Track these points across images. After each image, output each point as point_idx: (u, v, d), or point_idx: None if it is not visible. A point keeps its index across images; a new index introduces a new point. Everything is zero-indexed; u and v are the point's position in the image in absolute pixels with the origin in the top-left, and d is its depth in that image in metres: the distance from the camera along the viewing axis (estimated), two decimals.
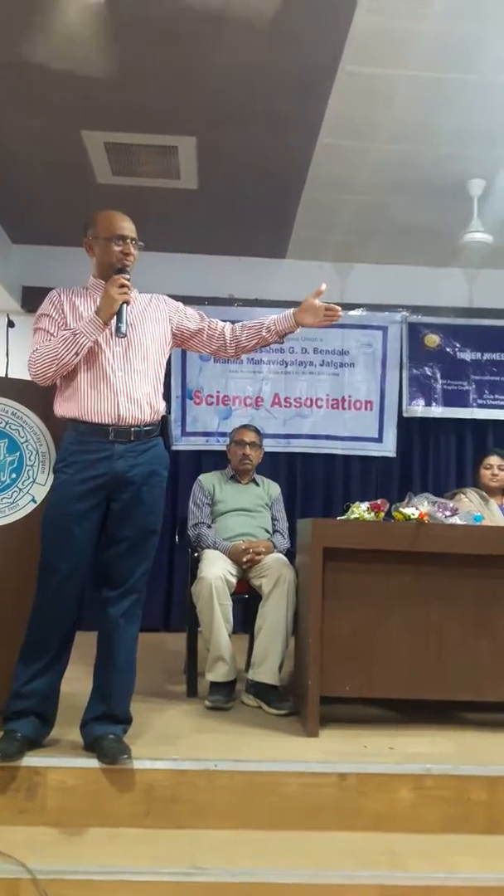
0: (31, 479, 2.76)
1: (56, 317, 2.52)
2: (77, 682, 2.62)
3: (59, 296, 2.56)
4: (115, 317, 2.42)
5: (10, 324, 5.26)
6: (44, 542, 2.45)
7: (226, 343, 2.67)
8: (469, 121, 3.78)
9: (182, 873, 2.06)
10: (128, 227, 2.54)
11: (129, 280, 2.46)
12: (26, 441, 2.77)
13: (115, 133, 3.98)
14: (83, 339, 2.40)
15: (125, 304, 2.43)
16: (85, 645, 2.57)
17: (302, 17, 3.08)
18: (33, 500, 2.73)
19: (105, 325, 2.42)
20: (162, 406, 2.57)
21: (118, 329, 2.41)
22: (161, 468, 2.55)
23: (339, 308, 2.61)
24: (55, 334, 2.47)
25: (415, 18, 3.06)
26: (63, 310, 2.52)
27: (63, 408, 2.51)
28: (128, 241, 2.52)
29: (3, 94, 3.65)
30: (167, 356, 2.65)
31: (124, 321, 2.42)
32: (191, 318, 2.68)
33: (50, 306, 2.54)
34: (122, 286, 2.42)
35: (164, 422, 2.57)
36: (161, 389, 2.60)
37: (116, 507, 2.46)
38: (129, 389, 2.47)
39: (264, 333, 2.63)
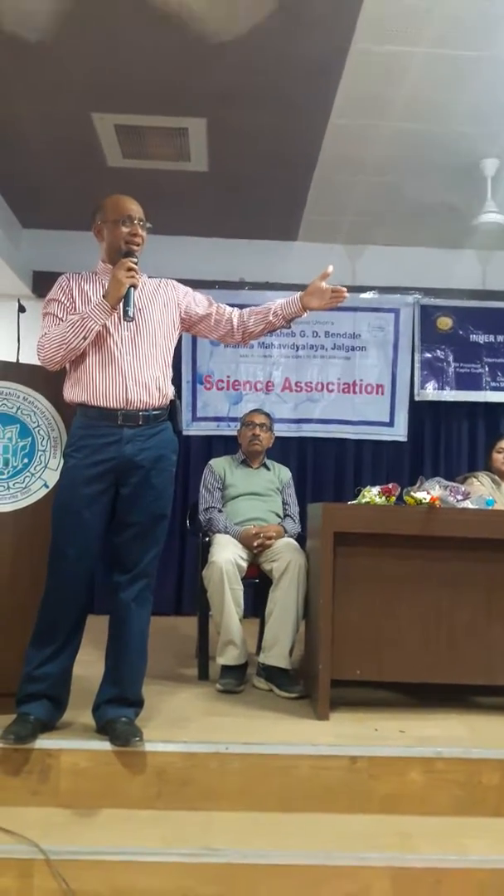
0: (43, 464, 2.76)
1: (65, 301, 2.52)
2: (89, 666, 2.64)
3: (69, 281, 2.56)
4: (122, 300, 2.41)
5: (21, 309, 5.26)
6: (54, 527, 2.47)
7: (233, 328, 2.66)
8: (483, 99, 3.72)
9: (193, 854, 2.07)
10: (135, 208, 2.53)
11: (136, 263, 2.45)
12: (38, 426, 2.77)
13: (125, 115, 3.96)
14: (91, 322, 2.41)
15: (132, 288, 2.42)
16: (97, 629, 2.58)
17: None
18: (45, 485, 2.74)
19: (113, 309, 2.42)
20: (170, 390, 2.57)
21: (125, 313, 2.41)
22: (170, 452, 2.54)
23: (345, 289, 2.58)
24: (64, 319, 2.47)
25: None
26: (72, 294, 2.53)
27: (72, 392, 2.52)
28: (135, 222, 2.51)
29: (12, 78, 3.63)
30: (176, 340, 2.65)
31: (132, 305, 2.41)
32: (199, 302, 2.66)
33: (59, 291, 2.55)
34: (130, 269, 2.42)
35: (173, 406, 2.57)
36: (170, 374, 2.59)
37: (125, 491, 2.47)
38: (137, 373, 2.47)
39: (271, 318, 2.62)
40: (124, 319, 2.43)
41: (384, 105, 3.79)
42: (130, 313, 2.41)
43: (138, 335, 2.50)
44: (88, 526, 2.43)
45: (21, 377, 2.78)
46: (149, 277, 2.62)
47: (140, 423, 2.47)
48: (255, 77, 3.59)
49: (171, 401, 2.56)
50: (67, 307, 2.51)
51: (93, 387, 2.46)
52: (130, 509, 2.47)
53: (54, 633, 2.44)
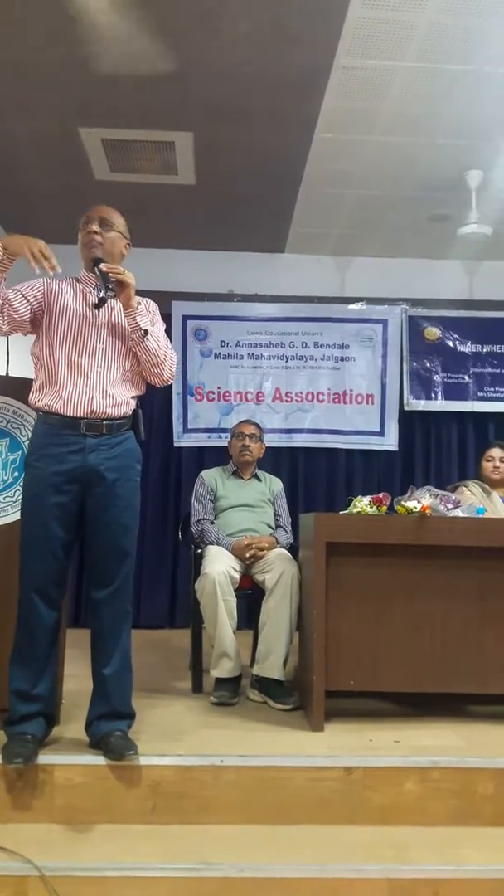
0: None
1: (29, 284, 2.52)
2: (80, 681, 2.62)
3: (45, 279, 2.55)
4: (98, 283, 2.44)
5: None
6: (22, 540, 2.44)
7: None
8: (466, 112, 3.77)
9: (190, 868, 2.06)
10: (95, 213, 2.56)
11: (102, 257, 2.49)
12: (28, 439, 2.76)
13: (112, 129, 3.98)
14: None
15: (102, 270, 2.43)
16: (87, 643, 2.56)
17: (296, 11, 3.08)
18: None
19: (6, 255, 2.37)
20: (135, 402, 2.57)
21: (101, 296, 2.41)
22: (133, 461, 2.54)
23: None
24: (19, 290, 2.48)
25: (410, 10, 3.06)
26: (42, 283, 2.53)
27: (36, 397, 2.50)
28: (93, 223, 2.54)
29: (0, 93, 3.65)
30: None
31: (102, 287, 2.42)
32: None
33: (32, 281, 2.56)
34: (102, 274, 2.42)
35: (136, 415, 2.56)
36: (136, 385, 2.58)
37: (91, 503, 2.45)
38: (104, 384, 2.47)
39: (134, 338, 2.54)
40: (102, 297, 2.42)
41: (368, 119, 3.83)
42: (104, 294, 2.41)
43: (110, 347, 2.51)
44: (55, 537, 2.41)
45: (10, 390, 2.78)
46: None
47: (103, 431, 2.46)
48: (241, 92, 3.62)
49: (133, 410, 2.56)
50: (30, 286, 2.51)
51: (58, 394, 2.45)
52: (98, 522, 2.45)
53: (32, 649, 2.41)
